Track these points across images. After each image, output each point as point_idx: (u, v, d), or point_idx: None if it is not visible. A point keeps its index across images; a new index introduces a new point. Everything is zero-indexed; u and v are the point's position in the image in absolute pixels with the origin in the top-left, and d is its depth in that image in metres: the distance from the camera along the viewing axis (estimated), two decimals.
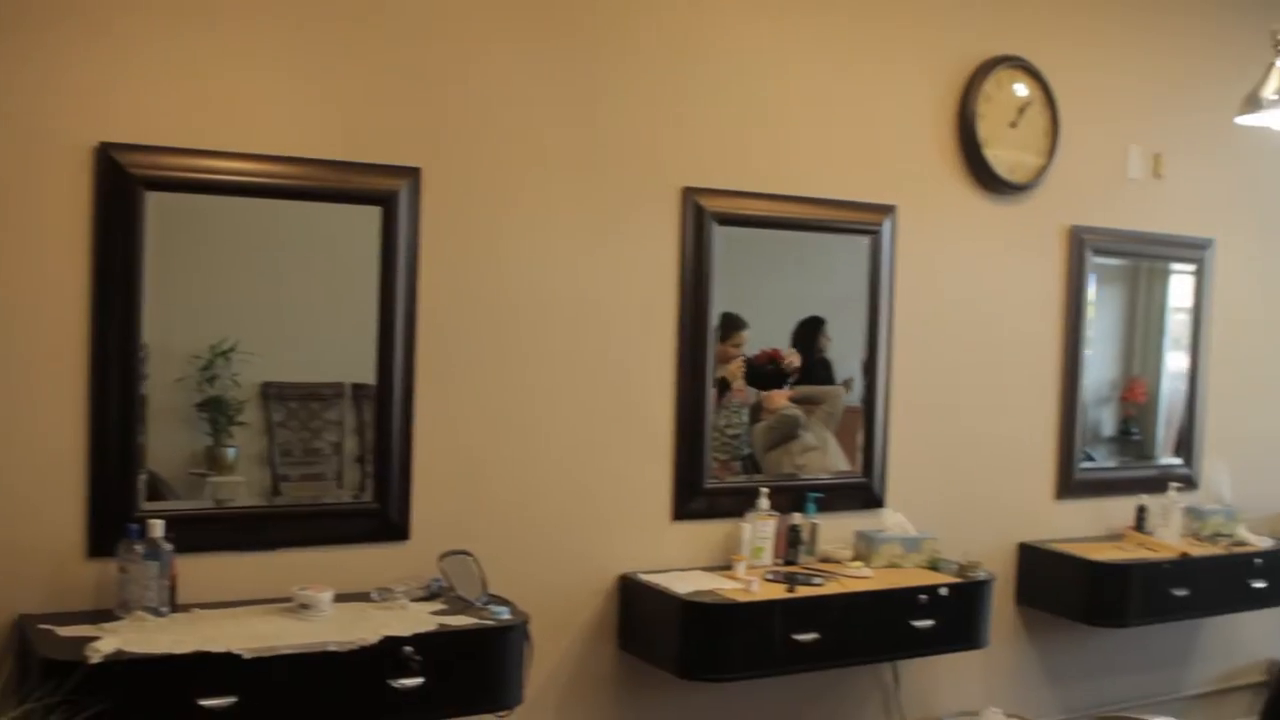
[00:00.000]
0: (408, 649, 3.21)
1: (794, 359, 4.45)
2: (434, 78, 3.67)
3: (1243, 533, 5.16)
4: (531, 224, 3.84)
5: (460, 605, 3.50)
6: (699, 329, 4.12)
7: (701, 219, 4.09)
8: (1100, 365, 5.34)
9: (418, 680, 3.21)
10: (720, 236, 4.12)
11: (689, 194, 4.08)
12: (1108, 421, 5.44)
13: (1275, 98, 4.09)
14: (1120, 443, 5.44)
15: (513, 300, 3.82)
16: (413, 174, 3.62)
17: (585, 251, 3.94)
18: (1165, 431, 5.47)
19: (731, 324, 4.29)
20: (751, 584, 3.92)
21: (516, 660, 3.44)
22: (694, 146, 4.10)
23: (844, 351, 4.55)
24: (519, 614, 3.48)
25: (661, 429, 4.10)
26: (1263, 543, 5.12)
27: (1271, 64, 4.12)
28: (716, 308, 4.19)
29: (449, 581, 3.58)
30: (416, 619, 3.37)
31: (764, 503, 4.18)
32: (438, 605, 3.51)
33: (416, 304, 3.65)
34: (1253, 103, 4.17)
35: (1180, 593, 4.76)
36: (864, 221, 4.45)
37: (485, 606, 3.49)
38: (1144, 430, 5.46)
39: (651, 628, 3.95)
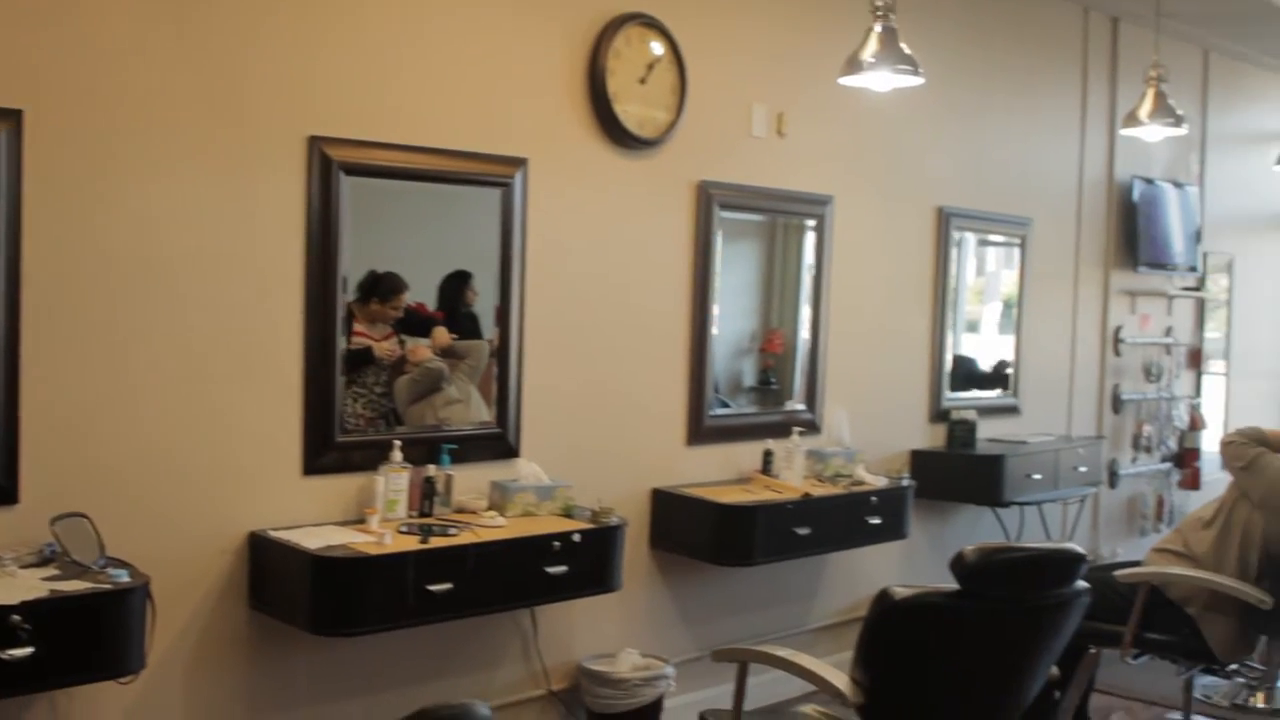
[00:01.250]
0: (15, 618, 3.06)
1: (438, 314, 4.46)
2: (38, 15, 3.48)
3: (861, 473, 5.47)
4: (147, 174, 3.69)
5: (76, 570, 3.35)
6: (328, 283, 4.05)
7: (329, 169, 4.01)
8: (740, 317, 5.56)
9: (27, 650, 3.06)
10: (350, 187, 4.06)
11: (315, 143, 4.00)
12: (749, 372, 5.68)
13: (873, 60, 4.34)
14: (760, 392, 5.67)
15: (127, 253, 3.66)
16: (14, 117, 3.43)
17: (205, 200, 3.80)
18: (801, 380, 5.74)
19: (392, 285, 4.26)
20: (384, 537, 3.91)
21: (138, 625, 3.32)
22: (322, 95, 4.03)
23: (491, 306, 4.58)
24: (139, 576, 3.37)
25: (290, 383, 4.02)
26: (879, 482, 5.44)
27: (870, 28, 4.37)
28: (361, 264, 4.14)
29: (63, 546, 3.42)
30: (26, 586, 3.20)
31: (397, 455, 4.17)
32: (51, 571, 3.35)
33: (20, 255, 3.45)
34: (853, 65, 4.41)
35: (803, 531, 5.01)
36: (495, 174, 4.47)
37: (102, 570, 3.36)
38: (781, 380, 5.71)
39: (283, 585, 3.88)
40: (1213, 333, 8.59)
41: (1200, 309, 8.40)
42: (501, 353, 4.59)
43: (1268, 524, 4.45)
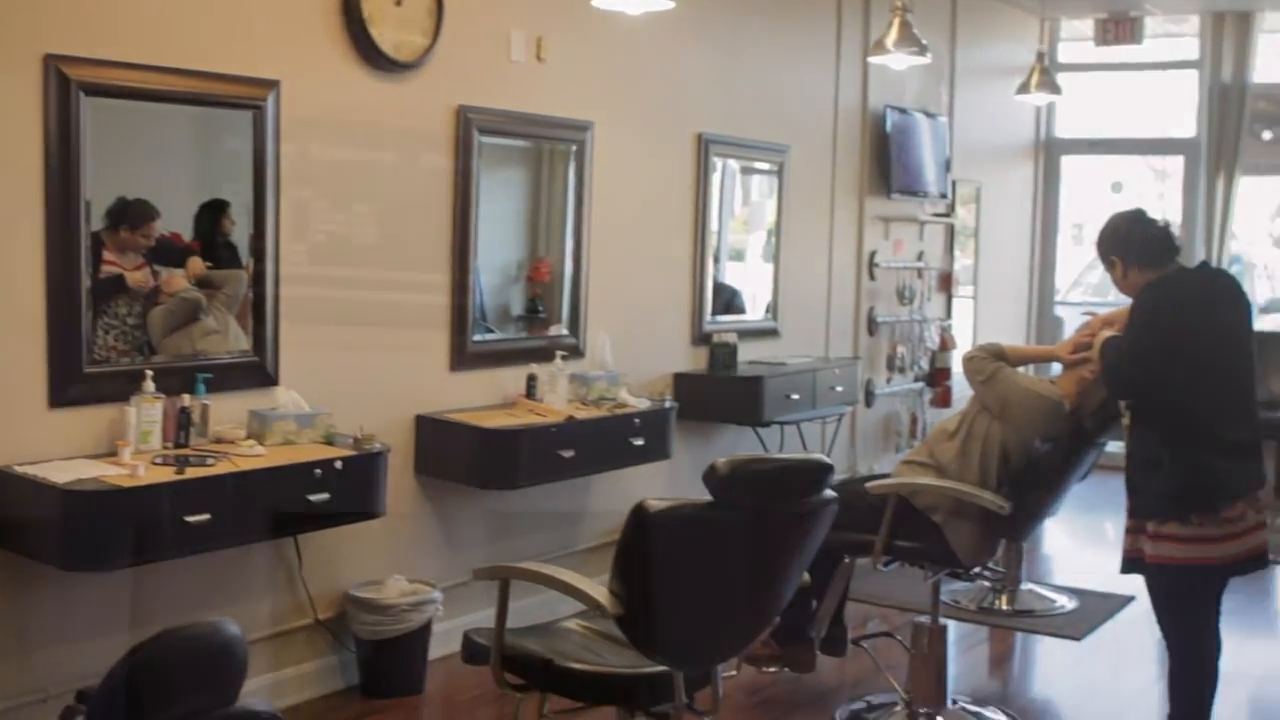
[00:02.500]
0: None
1: (193, 244, 4.35)
2: None
3: (624, 396, 5.56)
4: None
5: None
6: (70, 210, 3.90)
7: (67, 89, 3.86)
8: (507, 246, 5.57)
9: None
10: (92, 109, 3.91)
11: (52, 62, 3.84)
12: (517, 300, 5.69)
13: None
14: (528, 320, 5.70)
15: None
16: None
17: None
18: (566, 306, 5.77)
19: (142, 212, 4.13)
20: (138, 469, 3.82)
21: None
22: (58, 11, 3.87)
23: (248, 234, 4.48)
24: None
25: (31, 313, 3.87)
26: (642, 404, 5.55)
27: None
28: (109, 190, 4.02)
29: None
30: None
31: (149, 385, 4.06)
32: None
33: None
34: None
35: (567, 454, 5.07)
36: (246, 96, 4.37)
37: None
38: (549, 307, 5.74)
39: (31, 521, 3.76)
40: (962, 258, 8.95)
41: (950, 235, 8.73)
42: (258, 281, 4.50)
43: (1006, 434, 4.67)
